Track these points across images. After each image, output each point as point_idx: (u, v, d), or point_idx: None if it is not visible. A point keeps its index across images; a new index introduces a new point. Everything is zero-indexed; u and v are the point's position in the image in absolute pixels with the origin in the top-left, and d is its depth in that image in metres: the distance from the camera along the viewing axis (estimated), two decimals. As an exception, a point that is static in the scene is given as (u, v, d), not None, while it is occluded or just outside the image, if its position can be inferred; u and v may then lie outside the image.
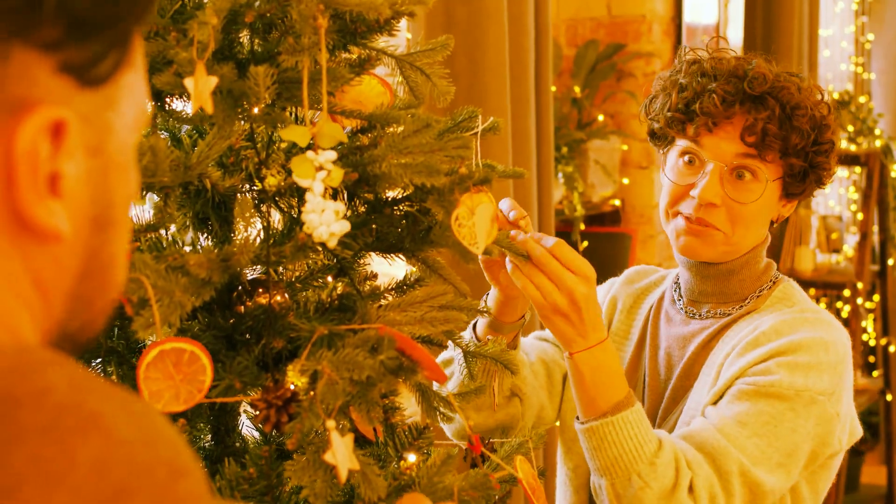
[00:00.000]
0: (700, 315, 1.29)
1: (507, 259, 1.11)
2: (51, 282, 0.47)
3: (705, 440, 1.14)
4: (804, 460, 1.17)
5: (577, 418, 1.17)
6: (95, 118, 0.47)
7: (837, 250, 3.97)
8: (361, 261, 0.99)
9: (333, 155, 0.85)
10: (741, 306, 1.27)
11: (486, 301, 1.21)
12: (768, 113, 1.18)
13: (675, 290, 1.33)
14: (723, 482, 1.12)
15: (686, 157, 1.22)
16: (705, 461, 1.13)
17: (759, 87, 1.18)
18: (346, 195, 0.96)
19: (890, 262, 3.84)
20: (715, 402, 1.19)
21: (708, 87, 1.19)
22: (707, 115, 1.19)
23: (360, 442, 0.94)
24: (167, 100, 0.91)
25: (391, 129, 0.95)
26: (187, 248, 0.94)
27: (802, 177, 1.22)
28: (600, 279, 1.40)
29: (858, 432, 1.24)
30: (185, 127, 0.95)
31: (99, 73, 0.47)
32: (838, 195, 4.51)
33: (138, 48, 0.50)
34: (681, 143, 1.23)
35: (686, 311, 1.30)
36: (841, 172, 4.33)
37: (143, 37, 0.51)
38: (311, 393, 0.85)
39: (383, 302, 0.97)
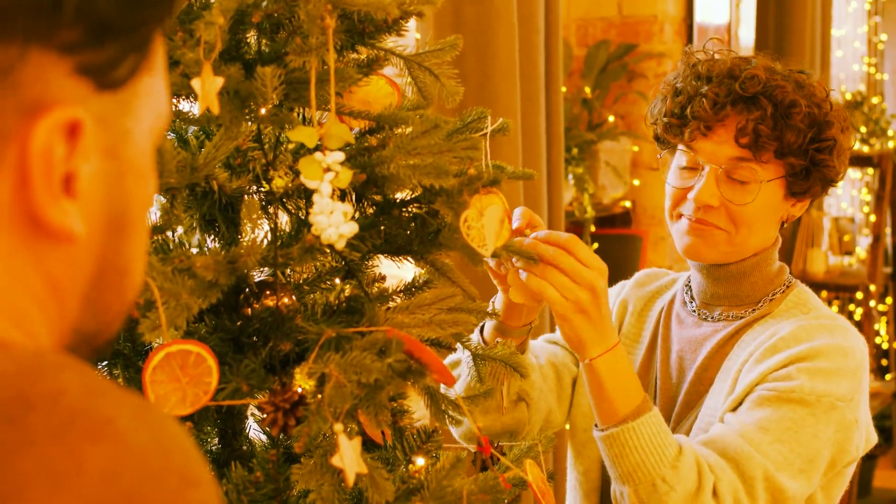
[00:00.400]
0: (712, 317, 1.28)
1: (520, 268, 1.10)
2: (65, 284, 0.47)
3: (728, 446, 1.13)
4: (824, 467, 1.16)
5: (596, 426, 1.15)
6: (112, 121, 0.47)
7: (850, 252, 3.94)
8: (369, 263, 0.98)
9: (341, 156, 0.84)
10: (754, 309, 1.26)
11: (493, 305, 1.20)
12: (759, 113, 1.16)
13: (686, 293, 1.32)
14: (747, 487, 1.11)
15: (685, 161, 1.22)
16: (728, 466, 1.11)
17: (752, 87, 1.17)
18: (354, 197, 0.95)
19: (903, 264, 3.81)
20: (734, 409, 1.17)
21: (700, 91, 1.19)
22: (698, 119, 1.18)
23: (368, 445, 0.93)
24: (174, 101, 0.91)
25: (399, 130, 0.94)
26: (194, 250, 0.93)
27: (805, 175, 1.20)
28: (611, 282, 1.39)
29: (874, 439, 1.22)
30: (192, 128, 0.95)
31: (116, 77, 0.46)
32: (851, 197, 4.48)
33: (159, 53, 0.49)
34: (680, 147, 1.23)
35: (698, 314, 1.29)
36: (853, 174, 4.30)
37: (164, 40, 0.51)
38: (319, 396, 0.84)
39: (391, 304, 0.96)
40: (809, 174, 1.20)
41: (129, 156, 0.48)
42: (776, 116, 1.16)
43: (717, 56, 1.23)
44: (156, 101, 0.50)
